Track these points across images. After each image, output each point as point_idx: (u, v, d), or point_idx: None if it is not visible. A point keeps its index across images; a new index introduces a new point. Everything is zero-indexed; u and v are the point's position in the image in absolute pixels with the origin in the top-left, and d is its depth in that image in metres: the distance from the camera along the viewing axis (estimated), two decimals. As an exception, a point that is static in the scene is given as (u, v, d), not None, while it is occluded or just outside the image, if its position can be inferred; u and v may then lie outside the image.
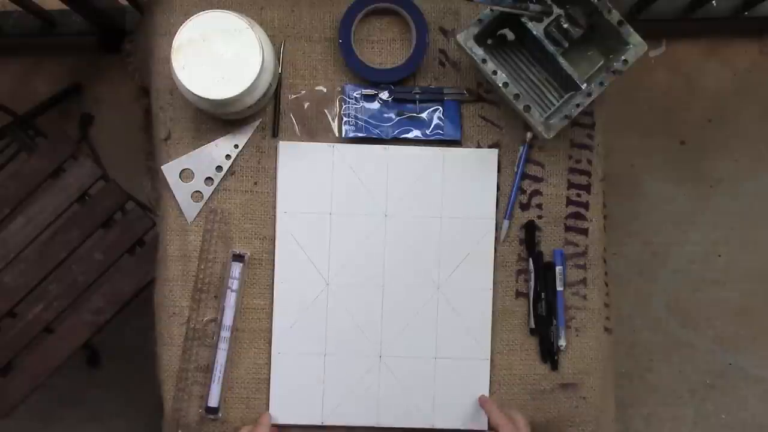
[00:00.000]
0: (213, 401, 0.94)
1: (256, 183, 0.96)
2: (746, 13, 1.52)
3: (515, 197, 0.96)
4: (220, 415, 0.95)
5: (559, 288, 0.96)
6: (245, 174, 0.96)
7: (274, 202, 0.96)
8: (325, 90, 0.97)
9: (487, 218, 0.96)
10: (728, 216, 1.64)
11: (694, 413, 1.62)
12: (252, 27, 0.86)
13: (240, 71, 0.86)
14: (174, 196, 0.96)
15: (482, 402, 0.94)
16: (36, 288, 1.18)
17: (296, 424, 0.95)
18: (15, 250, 1.17)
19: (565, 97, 0.94)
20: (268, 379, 0.95)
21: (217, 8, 0.88)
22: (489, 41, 0.92)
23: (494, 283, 0.96)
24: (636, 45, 0.89)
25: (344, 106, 0.96)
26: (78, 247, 1.18)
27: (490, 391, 0.95)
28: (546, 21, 0.89)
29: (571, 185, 0.97)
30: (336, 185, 0.96)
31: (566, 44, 0.91)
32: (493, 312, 0.96)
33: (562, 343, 0.95)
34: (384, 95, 0.96)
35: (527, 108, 0.89)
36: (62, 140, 1.20)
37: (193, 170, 0.96)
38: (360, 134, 0.96)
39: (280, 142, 0.96)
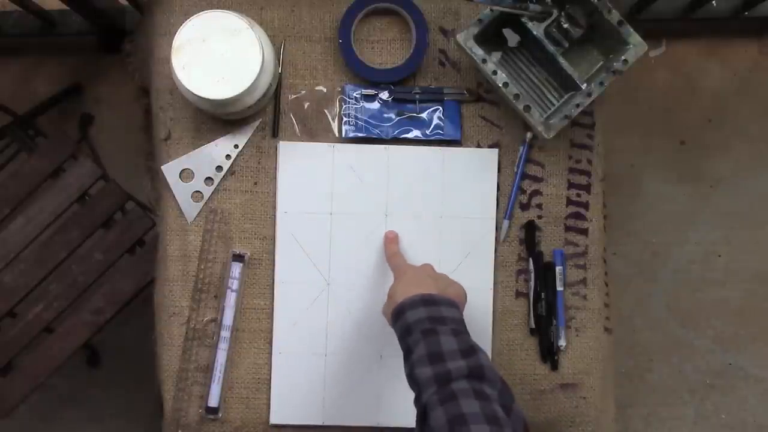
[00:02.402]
0: (213, 401, 0.94)
1: (256, 183, 0.96)
2: (746, 13, 1.52)
3: (515, 197, 0.96)
4: (220, 415, 0.95)
5: (559, 288, 0.96)
6: (245, 174, 0.96)
7: (274, 202, 0.96)
8: (325, 90, 0.97)
9: (487, 218, 0.96)
10: (728, 216, 1.64)
11: (694, 413, 1.62)
12: (252, 27, 0.86)
13: (240, 71, 0.86)
14: (174, 196, 0.96)
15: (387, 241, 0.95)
16: (36, 288, 1.18)
17: (296, 424, 0.95)
18: (15, 250, 1.17)
19: (565, 97, 0.94)
20: (269, 379, 0.95)
21: (217, 8, 0.88)
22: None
23: (494, 283, 0.96)
24: (636, 45, 0.89)
25: (344, 106, 0.96)
26: (78, 247, 1.17)
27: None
28: (546, 21, 0.89)
29: (571, 185, 0.97)
30: (336, 185, 0.96)
31: (566, 44, 0.91)
32: (493, 312, 0.96)
33: (562, 343, 0.95)
34: (384, 95, 0.96)
35: (527, 108, 0.89)
36: (62, 140, 1.20)
37: (193, 170, 0.96)
38: (360, 134, 0.96)
39: (280, 142, 0.96)
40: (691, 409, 1.62)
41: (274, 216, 0.96)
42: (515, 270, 0.97)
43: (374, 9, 0.96)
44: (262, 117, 0.96)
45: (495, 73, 0.89)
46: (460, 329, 0.76)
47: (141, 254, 1.19)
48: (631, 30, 0.88)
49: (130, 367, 1.35)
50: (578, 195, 0.97)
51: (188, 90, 0.86)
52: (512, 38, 0.92)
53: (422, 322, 0.75)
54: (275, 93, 0.96)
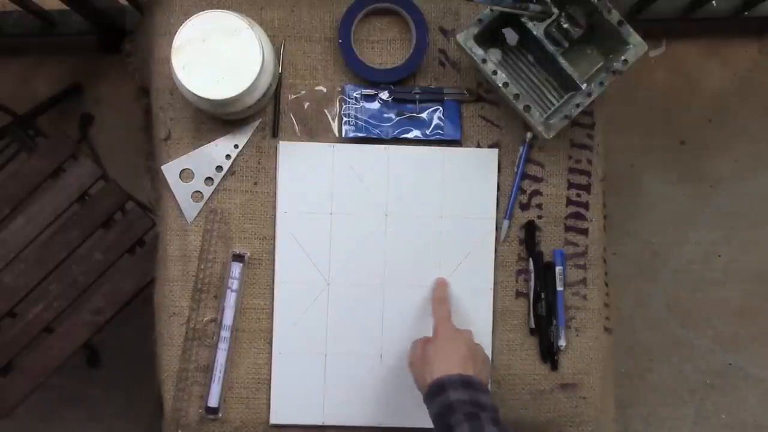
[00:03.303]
0: (213, 401, 0.94)
1: (256, 183, 0.96)
2: (746, 13, 1.52)
3: (515, 197, 0.96)
4: (220, 415, 0.95)
5: (559, 288, 0.96)
6: (245, 174, 0.96)
7: (274, 202, 0.96)
8: (325, 90, 0.97)
9: (487, 218, 0.96)
10: (728, 216, 1.64)
11: (694, 413, 1.62)
12: (252, 27, 0.86)
13: (240, 71, 0.86)
14: (174, 196, 0.96)
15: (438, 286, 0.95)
16: (36, 288, 1.18)
17: (297, 424, 0.95)
18: (15, 250, 1.17)
19: (565, 97, 0.94)
20: (268, 379, 0.95)
21: (217, 8, 0.88)
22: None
23: (494, 283, 0.96)
24: (636, 45, 0.89)
25: (344, 106, 0.96)
26: (78, 247, 1.18)
27: (490, 390, 0.95)
28: (546, 21, 0.89)
29: (571, 185, 0.97)
30: (336, 185, 0.96)
31: (566, 44, 0.91)
32: (493, 312, 0.96)
33: (562, 343, 0.95)
34: (384, 95, 0.96)
35: (527, 108, 0.89)
36: (62, 140, 1.20)
37: (193, 170, 0.96)
38: (360, 134, 0.96)
39: (280, 142, 0.96)
40: (691, 409, 1.62)
41: (274, 216, 0.96)
42: (515, 270, 0.97)
43: (374, 9, 0.96)
44: (262, 117, 0.96)
45: (495, 73, 0.89)
46: (497, 418, 0.77)
47: (141, 254, 1.19)
48: (631, 30, 0.88)
49: (130, 367, 1.35)
50: (578, 195, 0.97)
51: (188, 90, 0.86)
52: (512, 37, 0.92)
53: (465, 404, 0.76)
54: (275, 93, 0.96)
